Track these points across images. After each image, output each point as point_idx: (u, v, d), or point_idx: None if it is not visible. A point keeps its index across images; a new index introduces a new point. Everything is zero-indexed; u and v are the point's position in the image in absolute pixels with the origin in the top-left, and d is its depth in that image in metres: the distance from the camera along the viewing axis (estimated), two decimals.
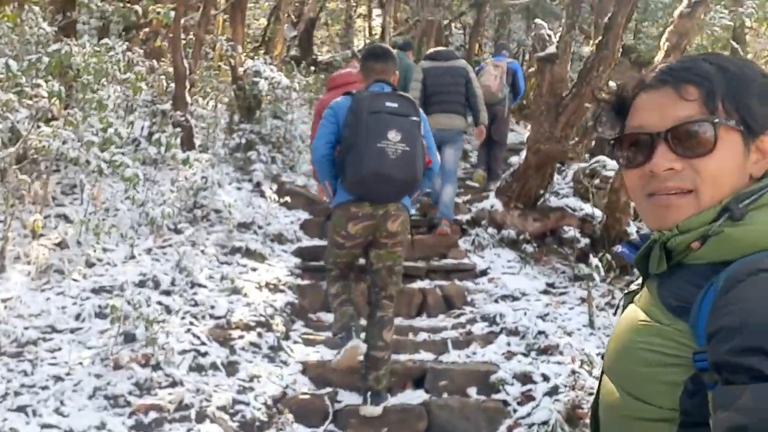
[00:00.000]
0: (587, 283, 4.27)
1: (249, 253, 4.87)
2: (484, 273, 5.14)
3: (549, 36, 5.27)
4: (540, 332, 4.11)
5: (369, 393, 3.27)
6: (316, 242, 5.48)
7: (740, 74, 0.85)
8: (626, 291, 0.97)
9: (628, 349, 0.85)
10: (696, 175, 0.83)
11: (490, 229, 5.65)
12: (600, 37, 4.82)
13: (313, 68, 9.95)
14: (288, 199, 5.58)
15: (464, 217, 5.89)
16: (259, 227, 5.42)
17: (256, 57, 8.76)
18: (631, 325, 0.86)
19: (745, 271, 0.75)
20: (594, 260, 4.22)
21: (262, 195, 6.11)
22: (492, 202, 5.81)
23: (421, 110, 3.34)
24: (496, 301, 4.69)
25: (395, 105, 3.15)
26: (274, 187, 6.13)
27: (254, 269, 4.66)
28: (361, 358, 3.26)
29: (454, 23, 15.63)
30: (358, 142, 3.06)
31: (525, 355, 3.93)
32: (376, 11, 15.99)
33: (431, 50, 6.23)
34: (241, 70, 7.52)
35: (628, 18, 4.75)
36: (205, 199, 5.38)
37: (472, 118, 5.77)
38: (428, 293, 4.73)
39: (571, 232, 5.67)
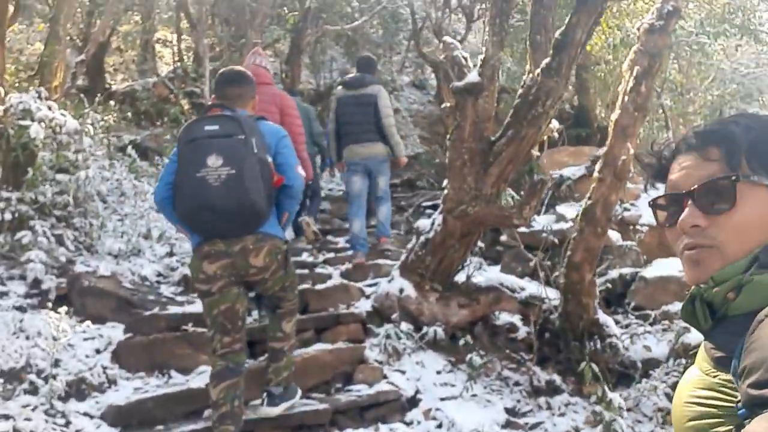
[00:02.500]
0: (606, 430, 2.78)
1: None
2: (413, 402, 3.48)
3: (465, 59, 3.82)
4: None
5: (266, 393, 3.09)
6: (145, 384, 3.38)
7: (766, 132, 0.87)
8: (691, 352, 1.32)
9: (682, 406, 0.84)
10: (719, 231, 0.85)
11: (404, 324, 4.01)
12: (549, 60, 3.45)
13: (112, 102, 7.60)
14: (91, 316, 3.41)
15: (361, 307, 4.19)
16: (40, 374, 3.18)
17: (25, 90, 6.28)
18: (686, 383, 0.87)
19: (766, 311, 0.75)
20: (613, 395, 2.75)
21: (43, 303, 3.87)
22: (399, 283, 4.17)
23: (265, 123, 3.05)
24: None
25: (215, 127, 2.87)
26: (62, 290, 3.88)
27: None
28: None
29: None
30: (179, 176, 2.85)
31: None
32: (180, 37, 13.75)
33: (347, 77, 5.66)
34: (0, 109, 5.10)
35: (589, 33, 3.45)
36: None
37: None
38: None
39: (504, 316, 4.25)
